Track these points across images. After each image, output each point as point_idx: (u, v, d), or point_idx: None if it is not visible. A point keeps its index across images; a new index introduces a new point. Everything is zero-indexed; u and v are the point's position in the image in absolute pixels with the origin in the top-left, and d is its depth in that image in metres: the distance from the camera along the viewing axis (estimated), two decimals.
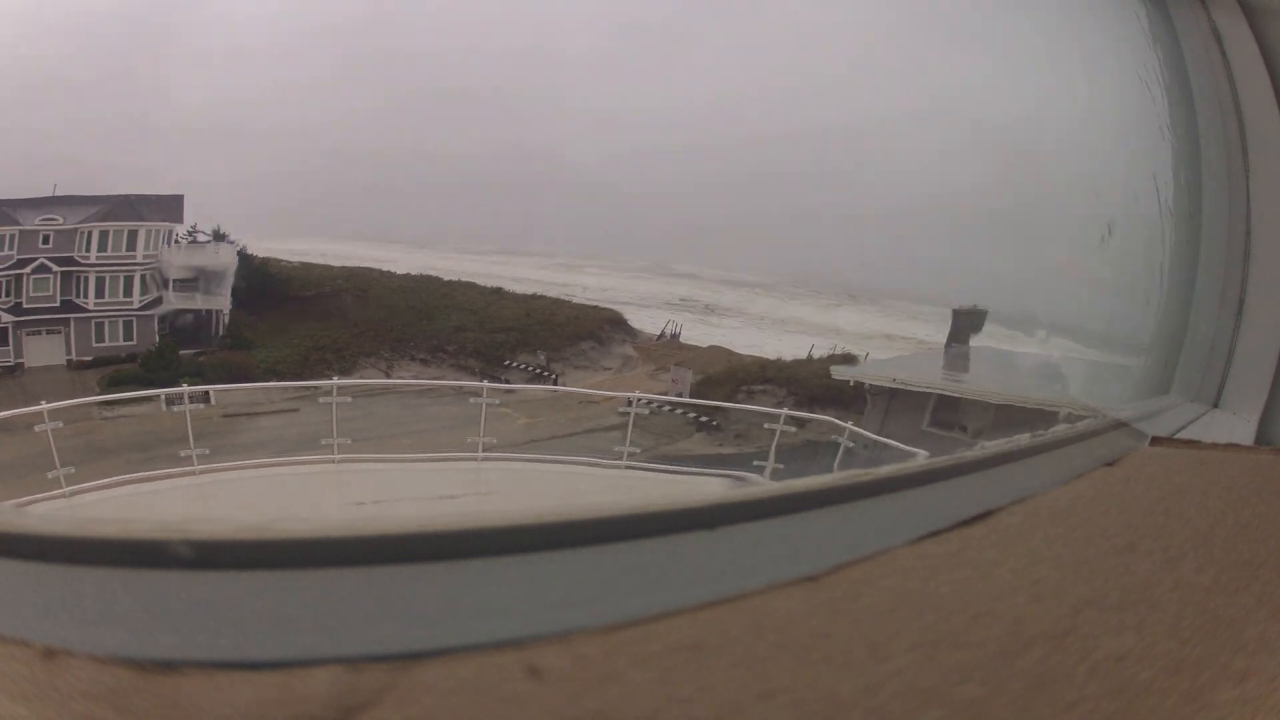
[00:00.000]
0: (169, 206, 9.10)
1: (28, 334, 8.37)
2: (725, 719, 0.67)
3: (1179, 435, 2.08)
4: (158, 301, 8.96)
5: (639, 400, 8.52)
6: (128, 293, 8.82)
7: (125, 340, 8.88)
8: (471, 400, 8.16)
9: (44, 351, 8.52)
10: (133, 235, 8.85)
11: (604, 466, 8.04)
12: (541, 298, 11.52)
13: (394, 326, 10.70)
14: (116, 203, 8.76)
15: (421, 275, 11.33)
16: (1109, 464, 1.56)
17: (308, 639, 0.72)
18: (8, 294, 8.28)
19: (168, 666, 0.65)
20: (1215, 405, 2.62)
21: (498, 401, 8.49)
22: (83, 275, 8.60)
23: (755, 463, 8.05)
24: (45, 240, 8.38)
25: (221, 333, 9.49)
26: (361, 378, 9.92)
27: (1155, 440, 1.86)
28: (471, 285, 11.39)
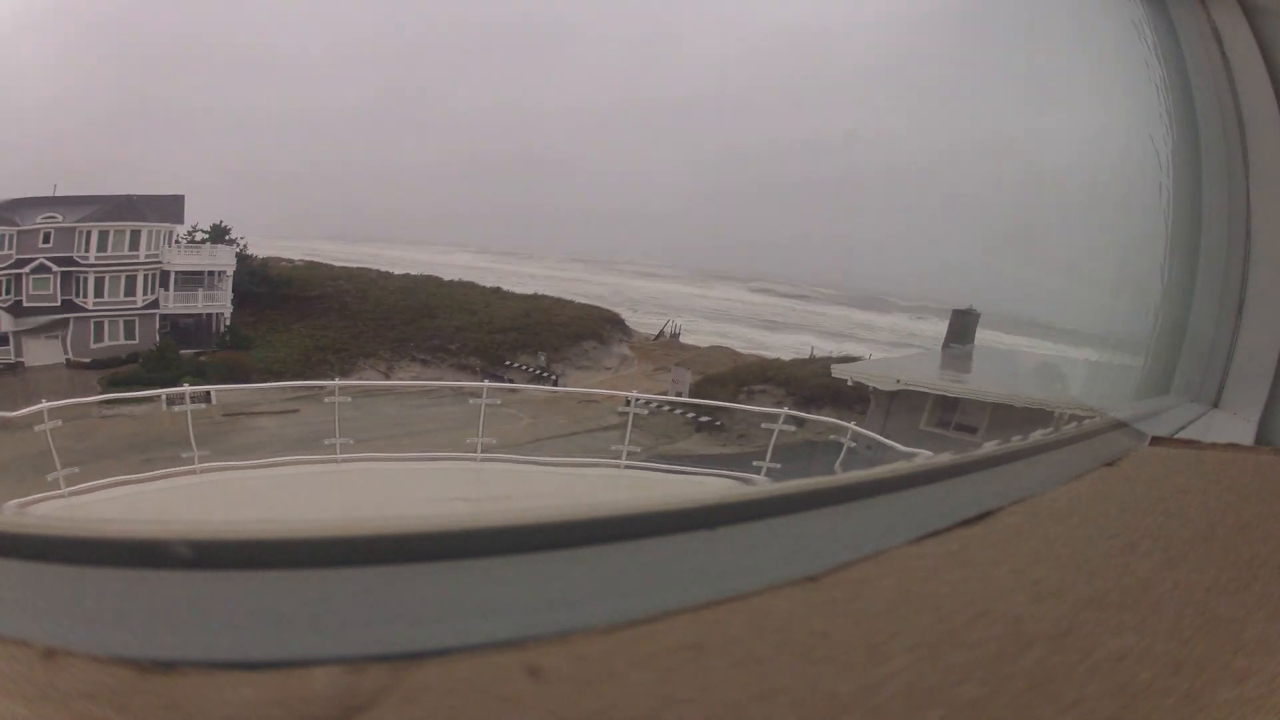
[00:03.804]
0: (169, 206, 9.09)
1: (27, 334, 8.36)
2: (725, 719, 0.67)
3: (1179, 435, 2.08)
4: (158, 302, 8.95)
5: (638, 400, 8.52)
6: (129, 293, 8.81)
7: (126, 340, 8.88)
8: (471, 400, 8.17)
9: (43, 352, 8.51)
10: (134, 235, 8.84)
11: (604, 466, 8.04)
12: (542, 297, 11.51)
13: (394, 326, 10.69)
14: (116, 202, 8.77)
15: (421, 275, 11.31)
16: (1109, 464, 1.56)
17: (308, 639, 0.72)
18: (7, 293, 8.27)
19: (168, 666, 0.65)
20: (1215, 405, 2.62)
21: (499, 402, 8.49)
22: (82, 275, 8.59)
23: (755, 463, 8.05)
24: (45, 239, 8.37)
25: (222, 332, 9.49)
26: (361, 378, 9.92)
27: (1155, 440, 1.86)
28: (472, 285, 11.38)
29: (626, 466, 7.96)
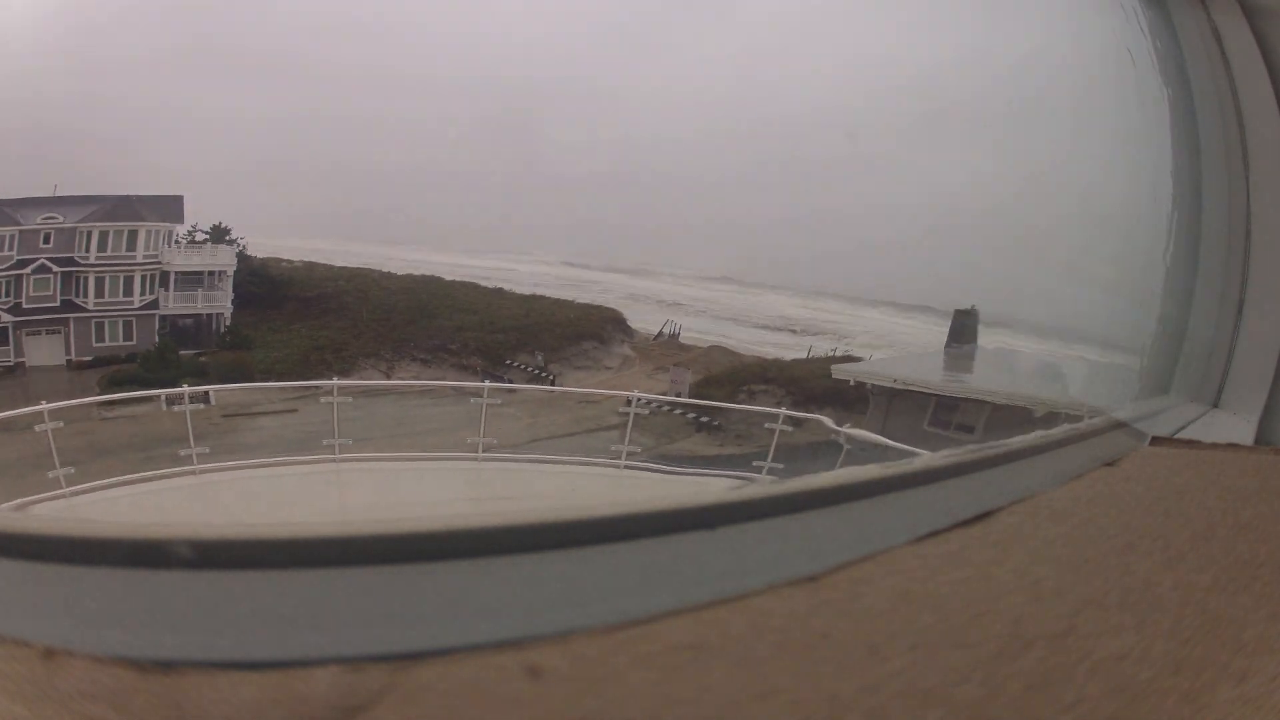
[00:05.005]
0: (169, 206, 9.09)
1: (28, 334, 8.37)
2: (725, 719, 0.67)
3: (1179, 435, 2.08)
4: (157, 302, 8.95)
5: (639, 400, 8.53)
6: (128, 293, 8.82)
7: (125, 340, 8.88)
8: (472, 400, 8.17)
9: (44, 351, 8.52)
10: (133, 235, 8.85)
11: (604, 466, 8.04)
12: (542, 298, 11.51)
13: (394, 326, 10.70)
14: (116, 202, 8.77)
15: (422, 275, 11.31)
16: (1109, 464, 1.56)
17: (308, 639, 0.72)
18: (8, 294, 8.27)
19: (168, 666, 0.65)
20: (1215, 405, 2.62)
21: (500, 401, 8.50)
22: (82, 275, 8.60)
23: (755, 463, 8.05)
24: (45, 240, 8.38)
25: (222, 332, 9.49)
26: (361, 378, 9.92)
27: (1155, 440, 1.86)
28: (472, 285, 11.38)
29: (626, 466, 7.96)
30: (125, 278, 8.88)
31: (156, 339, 9.07)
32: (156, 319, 9.06)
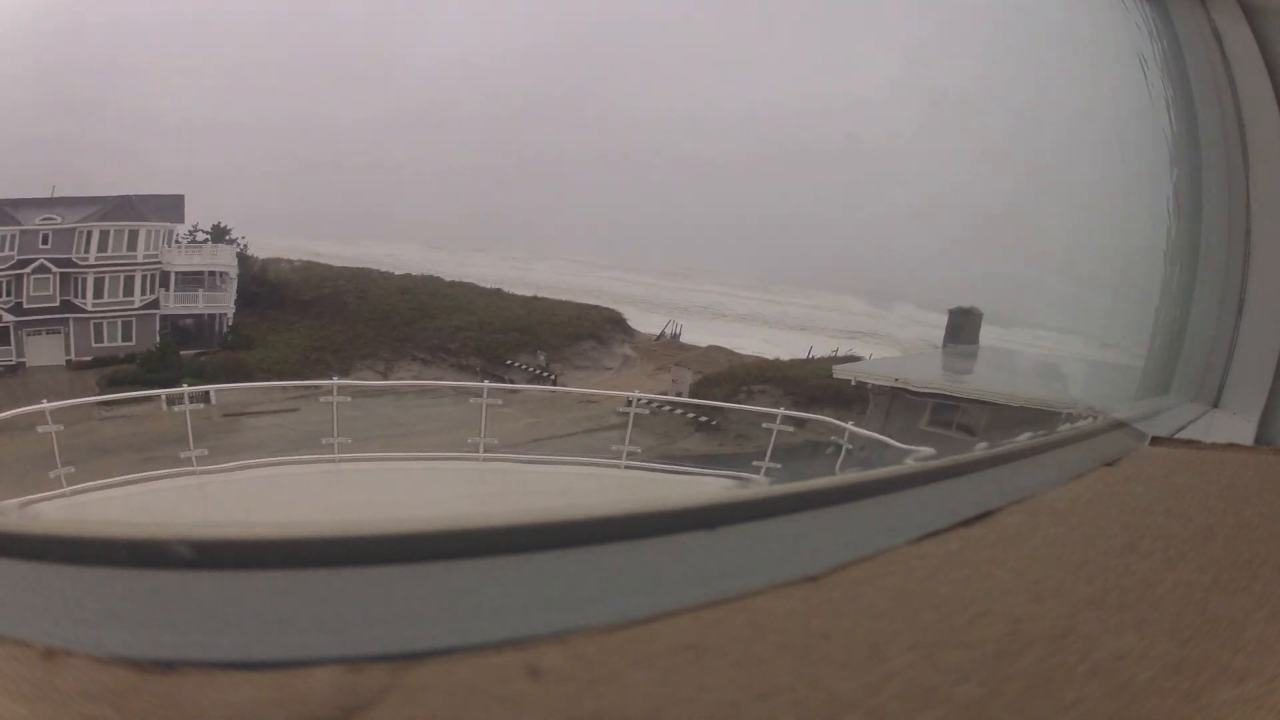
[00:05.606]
0: (169, 206, 9.09)
1: (28, 334, 8.37)
2: (725, 719, 0.67)
3: (1179, 435, 2.09)
4: (158, 302, 8.95)
5: (639, 400, 8.53)
6: (128, 293, 8.82)
7: (125, 340, 8.88)
8: (472, 400, 8.17)
9: (44, 351, 8.52)
10: (133, 235, 8.85)
11: (604, 466, 8.04)
12: (542, 299, 11.51)
13: (394, 326, 10.69)
14: (116, 203, 8.77)
15: (422, 275, 11.30)
16: (1109, 464, 1.56)
17: (308, 639, 0.72)
18: (8, 294, 8.28)
19: (168, 666, 0.65)
20: (1215, 405, 2.62)
21: (500, 401, 8.49)
22: (81, 275, 8.60)
23: (754, 463, 8.05)
24: (44, 240, 8.38)
25: (223, 332, 9.49)
26: (361, 378, 9.92)
27: (1155, 440, 1.86)
28: (472, 285, 11.38)
29: (626, 467, 7.95)
30: (126, 278, 8.88)
31: (157, 339, 9.07)
32: (157, 319, 9.06)
